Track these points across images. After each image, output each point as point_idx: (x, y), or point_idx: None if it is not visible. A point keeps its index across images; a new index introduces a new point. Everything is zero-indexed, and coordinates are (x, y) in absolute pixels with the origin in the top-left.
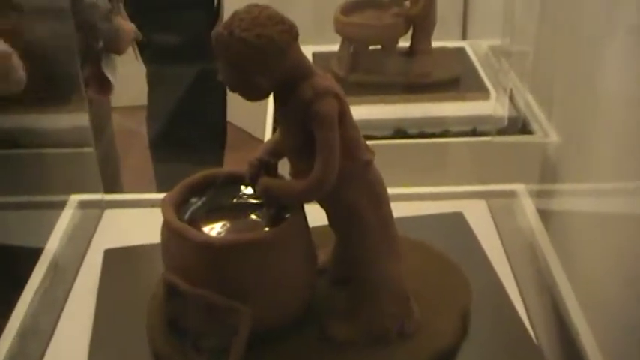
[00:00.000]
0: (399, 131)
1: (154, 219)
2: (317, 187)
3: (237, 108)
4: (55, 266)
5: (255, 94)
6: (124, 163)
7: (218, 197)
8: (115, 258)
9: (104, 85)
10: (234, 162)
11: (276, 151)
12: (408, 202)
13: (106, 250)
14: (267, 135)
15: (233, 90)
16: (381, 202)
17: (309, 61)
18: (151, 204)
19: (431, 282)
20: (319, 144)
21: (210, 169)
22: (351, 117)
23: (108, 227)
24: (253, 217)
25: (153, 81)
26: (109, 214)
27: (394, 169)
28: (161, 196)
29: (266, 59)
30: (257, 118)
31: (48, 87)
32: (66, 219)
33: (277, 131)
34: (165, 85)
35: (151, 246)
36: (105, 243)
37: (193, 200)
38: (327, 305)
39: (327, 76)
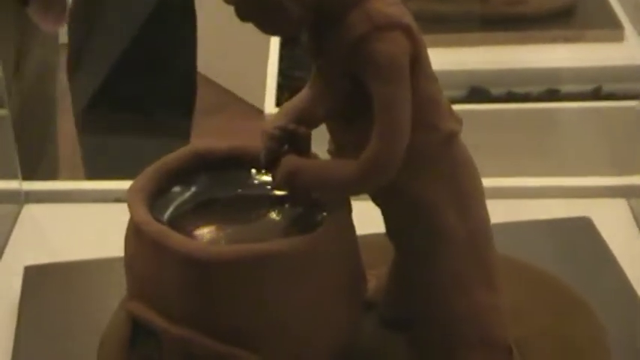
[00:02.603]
0: (478, 90)
1: (105, 219)
2: (373, 170)
3: (213, 55)
4: None
5: (279, 24)
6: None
7: (214, 186)
8: (40, 279)
9: (53, 8)
10: (208, 131)
11: (306, 116)
12: (504, 202)
13: (26, 268)
14: (269, 97)
15: (246, 17)
16: (473, 200)
17: None
18: (99, 196)
19: (545, 328)
20: (378, 105)
21: (176, 141)
22: (428, 64)
23: (29, 231)
24: (269, 217)
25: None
26: (31, 210)
27: (472, 149)
28: (110, 185)
29: None
30: (245, 69)
31: None
32: None
33: (309, 85)
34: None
35: (100, 262)
36: (24, 255)
37: (176, 190)
38: (377, 357)
39: None
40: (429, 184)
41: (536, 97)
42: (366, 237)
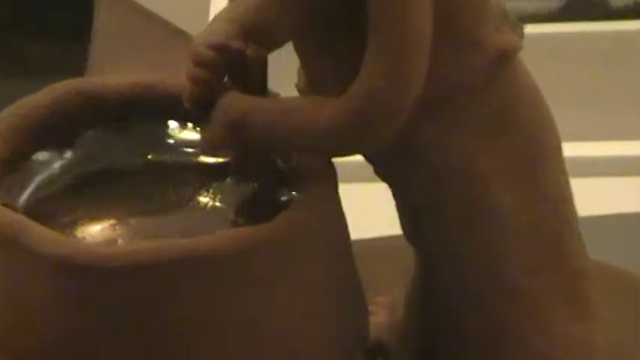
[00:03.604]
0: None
1: None
2: (366, 112)
3: None
4: None
5: None
6: None
7: (108, 149)
8: None
9: None
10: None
11: (261, 31)
12: (594, 181)
13: None
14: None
15: None
16: (542, 166)
17: None
18: None
19: None
20: (377, 7)
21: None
22: None
23: None
24: (198, 199)
25: None
26: None
27: (552, 94)
28: None
29: None
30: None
31: None
32: None
33: None
34: None
35: None
36: None
37: (43, 157)
38: None
39: None
40: (467, 141)
41: None
42: (367, 243)
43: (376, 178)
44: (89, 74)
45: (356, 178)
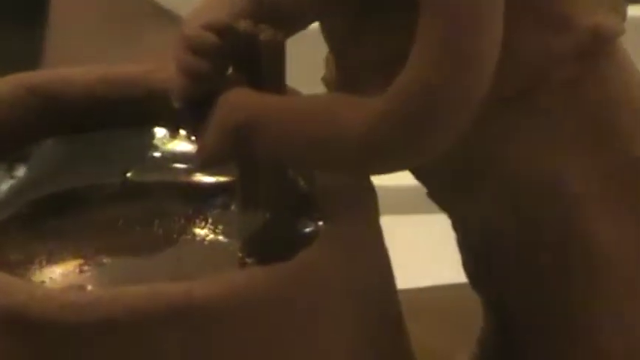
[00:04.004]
0: None
1: None
2: (418, 115)
3: None
4: None
5: None
6: None
7: (71, 165)
8: None
9: None
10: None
11: (277, 5)
12: None
13: None
14: None
15: None
16: None
17: None
18: None
19: None
20: None
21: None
22: None
23: None
24: (192, 232)
25: None
26: None
27: None
28: None
29: None
30: None
31: None
32: None
33: None
34: None
35: None
36: None
37: None
38: None
39: None
40: (550, 154)
41: None
42: (415, 294)
43: (423, 208)
44: (46, 66)
45: (397, 207)
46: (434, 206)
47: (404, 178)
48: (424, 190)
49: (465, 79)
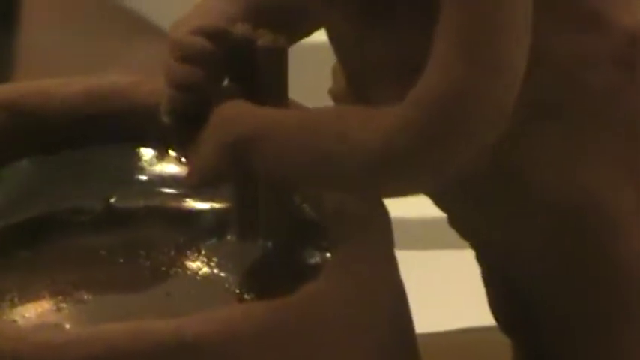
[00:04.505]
0: None
1: None
2: (440, 127)
3: None
4: None
5: None
6: None
7: (48, 188)
8: None
9: None
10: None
11: (278, 7)
12: None
13: None
14: None
15: None
16: None
17: None
18: None
19: None
20: None
21: None
22: None
23: None
24: (184, 263)
25: None
26: None
27: None
28: None
29: None
30: None
31: None
32: None
33: None
34: None
35: None
36: None
37: None
38: None
39: None
40: (590, 172)
41: None
42: (434, 338)
43: (441, 243)
44: (17, 79)
45: (412, 242)
46: (453, 241)
47: (420, 210)
48: (442, 223)
49: (493, 85)
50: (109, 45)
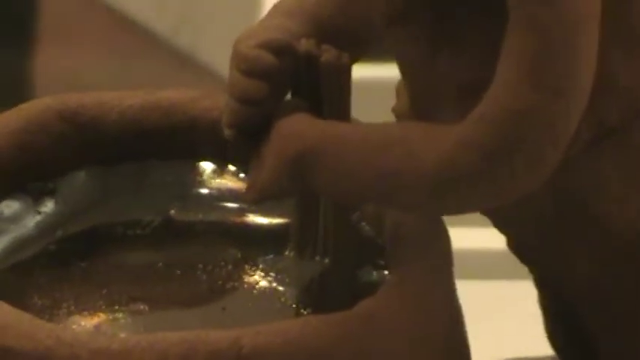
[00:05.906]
0: None
1: None
2: (514, 136)
3: None
4: None
5: None
6: None
7: (104, 201)
8: None
9: None
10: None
11: (343, 25)
12: None
13: None
14: None
15: None
16: None
17: None
18: None
19: None
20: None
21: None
22: None
23: None
24: (243, 278)
25: None
26: None
27: None
28: None
29: None
30: None
31: None
32: None
33: None
34: None
35: None
36: None
37: (7, 210)
38: None
39: None
40: None
41: None
42: None
43: (501, 273)
44: (38, 95)
45: (470, 272)
46: (512, 271)
47: (478, 241)
48: (500, 254)
49: (558, 108)
50: (122, 62)
